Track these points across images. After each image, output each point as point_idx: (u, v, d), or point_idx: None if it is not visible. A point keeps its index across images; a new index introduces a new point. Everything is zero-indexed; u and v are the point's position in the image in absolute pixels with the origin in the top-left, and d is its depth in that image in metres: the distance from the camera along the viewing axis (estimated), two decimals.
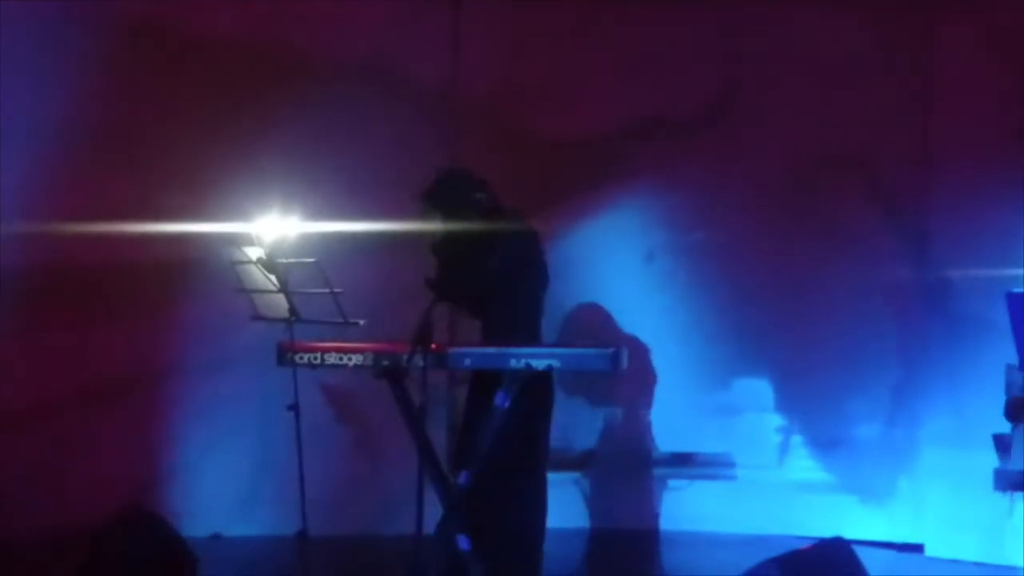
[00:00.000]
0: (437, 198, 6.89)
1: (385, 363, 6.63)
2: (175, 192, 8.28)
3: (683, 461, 8.74)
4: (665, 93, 8.78)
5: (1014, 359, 6.61)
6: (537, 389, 6.76)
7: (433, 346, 6.50)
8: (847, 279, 8.61)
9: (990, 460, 7.75)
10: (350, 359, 6.73)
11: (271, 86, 8.45)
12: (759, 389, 8.87)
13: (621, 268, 8.75)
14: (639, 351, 8.52)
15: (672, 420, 8.69)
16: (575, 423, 8.63)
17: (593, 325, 8.61)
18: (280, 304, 6.91)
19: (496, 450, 6.62)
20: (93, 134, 8.30)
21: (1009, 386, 7.41)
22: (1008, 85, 8.16)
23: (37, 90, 8.25)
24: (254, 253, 6.88)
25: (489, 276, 6.80)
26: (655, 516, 8.73)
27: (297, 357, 6.79)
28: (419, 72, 8.70)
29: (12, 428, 8.22)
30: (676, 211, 8.82)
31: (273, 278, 6.85)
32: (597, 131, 8.82)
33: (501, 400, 6.60)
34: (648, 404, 8.66)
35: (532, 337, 6.86)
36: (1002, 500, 7.76)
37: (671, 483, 8.74)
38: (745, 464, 8.76)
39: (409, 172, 7.77)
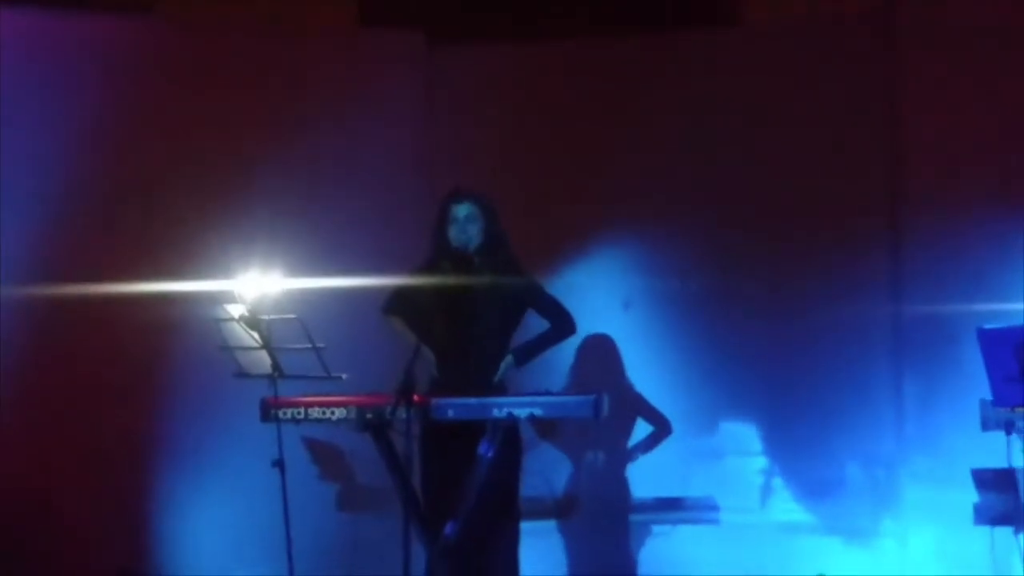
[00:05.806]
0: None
1: (369, 416, 6.69)
2: (157, 251, 8.34)
3: (667, 506, 8.75)
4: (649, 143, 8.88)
5: (988, 395, 6.70)
6: (509, 436, 6.81)
7: (416, 398, 6.56)
8: (826, 322, 8.66)
9: (971, 496, 7.82)
10: (334, 413, 6.80)
11: (252, 143, 8.53)
12: (741, 432, 8.90)
13: (601, 315, 8.79)
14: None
15: (655, 465, 8.70)
16: (557, 469, 8.66)
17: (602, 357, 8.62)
18: (263, 361, 6.94)
19: (481, 499, 6.68)
20: (75, 194, 8.33)
21: (984, 422, 7.47)
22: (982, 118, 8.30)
23: (20, 147, 8.30)
24: (236, 310, 6.91)
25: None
26: (639, 562, 8.73)
27: (281, 413, 6.85)
28: (397, 126, 8.80)
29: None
30: (654, 257, 8.89)
31: (255, 335, 6.89)
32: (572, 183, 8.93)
33: (485, 449, 6.66)
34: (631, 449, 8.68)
35: None
36: (984, 535, 7.81)
37: (655, 528, 8.76)
38: (729, 508, 8.77)
39: (390, 224, 7.87)
